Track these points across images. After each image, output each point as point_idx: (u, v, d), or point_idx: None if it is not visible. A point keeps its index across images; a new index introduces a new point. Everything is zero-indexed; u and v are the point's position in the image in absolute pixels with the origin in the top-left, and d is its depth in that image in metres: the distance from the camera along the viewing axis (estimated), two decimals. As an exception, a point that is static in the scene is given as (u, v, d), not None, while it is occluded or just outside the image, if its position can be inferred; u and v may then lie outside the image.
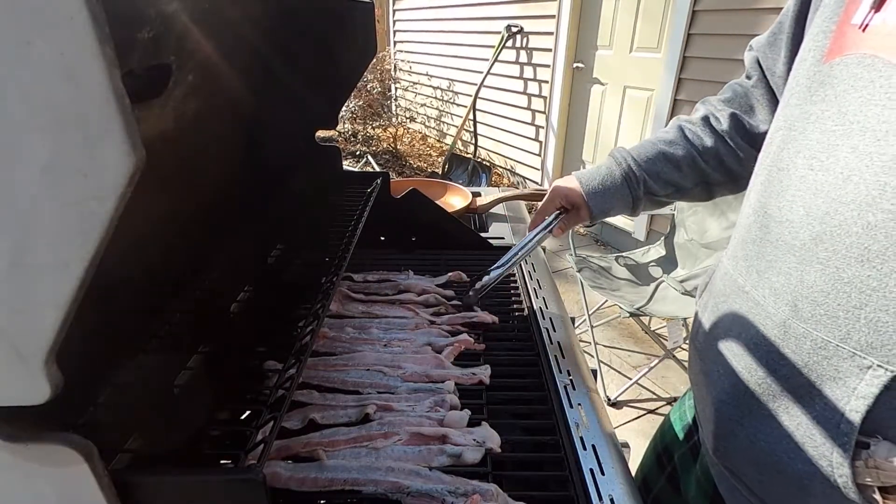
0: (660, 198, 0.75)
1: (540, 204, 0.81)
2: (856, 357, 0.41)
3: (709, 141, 0.71)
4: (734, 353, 0.52)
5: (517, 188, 3.18)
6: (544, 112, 3.81)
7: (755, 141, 0.69)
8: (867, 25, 0.42)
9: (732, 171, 0.72)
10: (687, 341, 2.14)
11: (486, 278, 0.80)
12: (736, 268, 0.54)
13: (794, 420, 0.46)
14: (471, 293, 0.83)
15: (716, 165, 0.72)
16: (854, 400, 0.42)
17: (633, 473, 0.62)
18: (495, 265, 0.81)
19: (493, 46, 4.06)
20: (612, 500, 0.53)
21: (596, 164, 0.77)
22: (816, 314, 0.43)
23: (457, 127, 4.58)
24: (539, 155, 3.97)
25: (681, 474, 0.70)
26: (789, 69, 0.58)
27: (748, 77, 0.69)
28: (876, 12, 0.41)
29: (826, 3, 0.48)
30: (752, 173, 0.56)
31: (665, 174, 0.73)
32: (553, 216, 0.79)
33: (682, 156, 0.72)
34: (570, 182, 0.77)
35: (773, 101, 0.66)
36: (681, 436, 0.71)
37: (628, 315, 1.85)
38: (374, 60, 2.62)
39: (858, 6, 0.43)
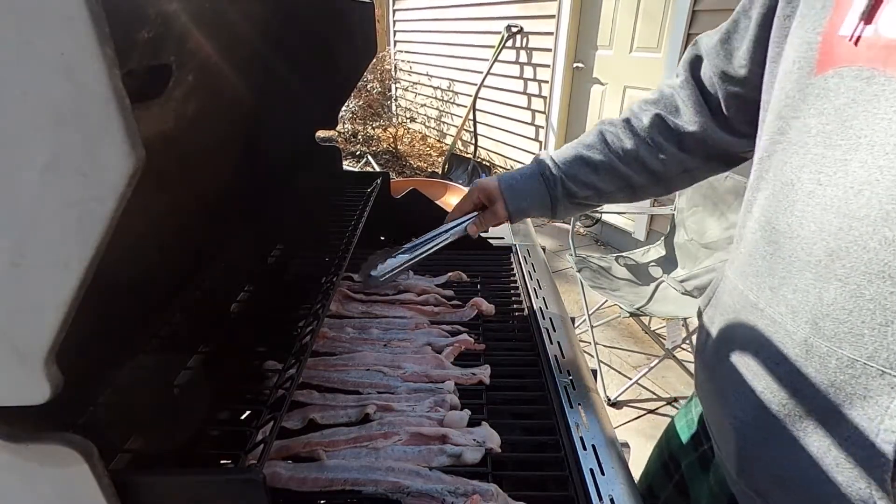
0: (580, 200, 0.76)
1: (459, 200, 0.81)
2: (886, 375, 0.40)
3: (628, 143, 0.71)
4: (753, 373, 0.50)
5: (517, 188, 3.17)
6: (544, 112, 3.81)
7: (681, 141, 0.69)
8: (859, 38, 0.41)
9: (655, 173, 0.72)
10: (686, 341, 2.14)
11: (389, 261, 0.78)
12: (746, 284, 0.52)
13: (824, 441, 0.44)
14: (371, 275, 0.79)
15: (637, 168, 0.72)
16: (888, 419, 0.40)
17: (637, 478, 0.61)
18: (400, 250, 0.79)
19: (493, 46, 4.06)
20: (612, 500, 0.53)
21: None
22: (840, 332, 0.42)
23: (457, 127, 4.58)
24: (539, 155, 3.97)
25: (689, 482, 0.68)
26: (750, 71, 0.58)
27: (677, 75, 0.69)
28: (866, 24, 0.40)
29: (803, 13, 0.47)
30: (748, 187, 0.55)
31: (583, 176, 0.73)
32: (471, 214, 0.79)
33: (599, 160, 0.72)
34: (491, 179, 0.78)
35: (699, 101, 0.66)
36: (688, 444, 0.69)
37: (628, 315, 1.85)
38: (374, 60, 2.62)
39: (844, 17, 0.42)
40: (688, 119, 0.67)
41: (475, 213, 0.79)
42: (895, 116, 0.38)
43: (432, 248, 0.78)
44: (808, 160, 0.45)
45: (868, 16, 0.40)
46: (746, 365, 0.51)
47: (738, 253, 0.55)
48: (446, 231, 0.78)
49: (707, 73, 0.65)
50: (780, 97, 0.49)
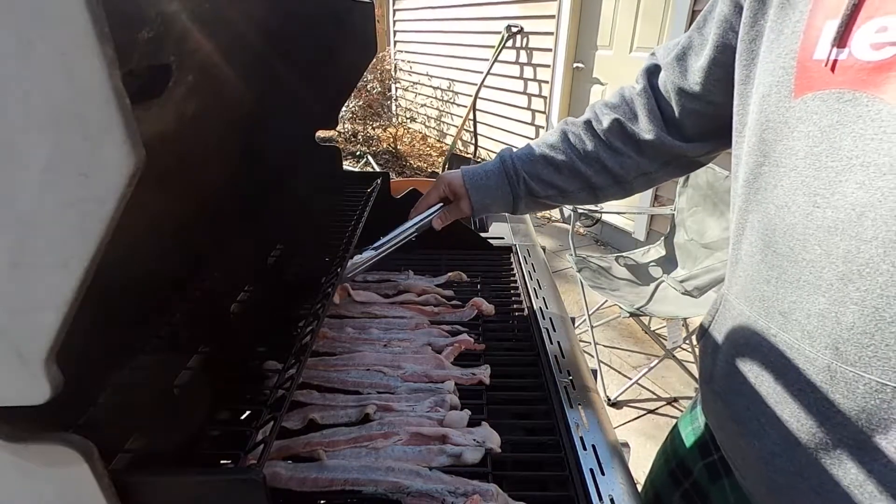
0: (542, 199, 0.77)
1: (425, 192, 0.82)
2: None
3: (590, 145, 0.73)
4: (776, 401, 0.49)
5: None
6: (544, 112, 3.81)
7: (639, 147, 0.71)
8: (835, 62, 0.41)
9: (615, 175, 0.73)
10: (686, 341, 2.14)
11: (357, 258, 0.79)
12: (753, 308, 0.51)
13: (865, 467, 0.43)
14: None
15: (598, 169, 0.73)
16: None
17: (641, 484, 0.60)
18: (370, 246, 0.80)
19: (493, 46, 4.06)
20: (612, 500, 0.53)
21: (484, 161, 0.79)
22: (864, 357, 0.41)
23: (457, 127, 4.58)
24: (539, 155, 3.97)
25: (706, 486, 0.66)
26: (705, 88, 0.60)
27: (637, 82, 0.71)
28: (839, 48, 0.41)
29: (771, 38, 0.47)
30: (735, 209, 0.54)
31: (545, 176, 0.75)
32: (436, 207, 0.81)
33: (562, 160, 0.74)
34: (456, 174, 0.80)
35: (655, 110, 0.68)
36: (696, 451, 0.68)
37: (628, 315, 1.85)
38: (374, 60, 2.62)
39: (816, 42, 0.43)
40: (644, 127, 0.69)
41: (440, 206, 0.81)
42: (884, 136, 0.38)
43: (399, 241, 0.80)
44: (800, 182, 0.44)
45: (840, 41, 0.41)
46: (768, 392, 0.50)
47: (737, 276, 0.54)
48: (413, 225, 0.80)
49: (663, 83, 0.67)
50: (759, 120, 0.49)
